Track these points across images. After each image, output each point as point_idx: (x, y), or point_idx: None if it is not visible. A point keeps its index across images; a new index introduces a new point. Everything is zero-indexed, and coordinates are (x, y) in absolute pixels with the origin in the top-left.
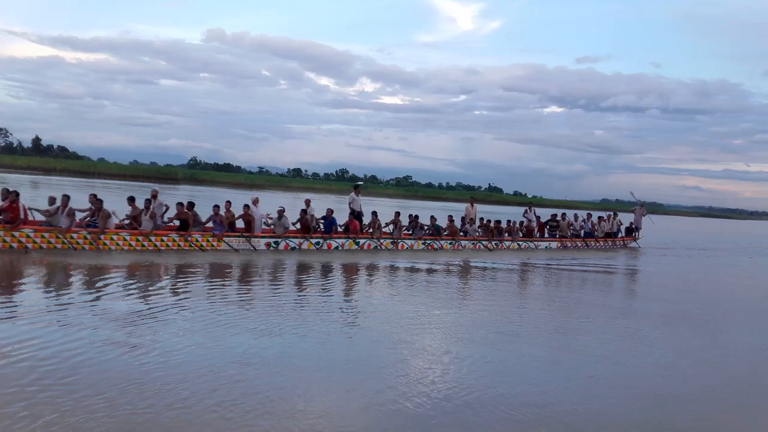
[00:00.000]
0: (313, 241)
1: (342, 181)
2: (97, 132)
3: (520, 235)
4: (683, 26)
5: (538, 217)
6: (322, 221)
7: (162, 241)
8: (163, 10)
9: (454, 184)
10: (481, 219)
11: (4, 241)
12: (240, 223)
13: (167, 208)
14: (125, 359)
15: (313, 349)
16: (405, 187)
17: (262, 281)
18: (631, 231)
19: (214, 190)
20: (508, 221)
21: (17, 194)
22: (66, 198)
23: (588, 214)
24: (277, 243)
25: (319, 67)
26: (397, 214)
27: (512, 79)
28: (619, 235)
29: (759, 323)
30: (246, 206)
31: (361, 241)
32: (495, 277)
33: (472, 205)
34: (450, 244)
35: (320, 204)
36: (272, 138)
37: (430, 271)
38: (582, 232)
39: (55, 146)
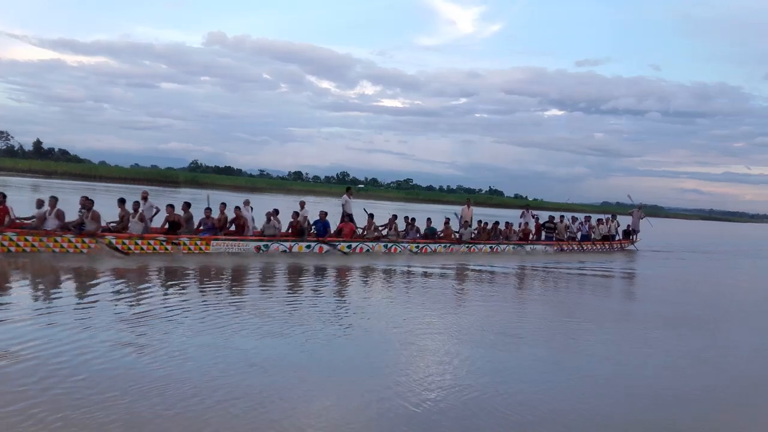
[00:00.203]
0: (305, 244)
1: (342, 184)
2: (97, 135)
3: (516, 238)
4: (683, 29)
5: (536, 218)
6: (314, 225)
7: (149, 244)
8: (164, 13)
9: (454, 187)
10: (479, 222)
11: None
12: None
13: (158, 211)
14: (131, 359)
15: (316, 349)
16: (406, 190)
17: (255, 285)
18: (629, 234)
19: (215, 193)
20: (506, 223)
21: (4, 196)
22: (54, 200)
23: (586, 216)
24: (267, 246)
25: (319, 71)
26: (394, 216)
27: (513, 83)
28: (617, 238)
29: (759, 324)
30: (237, 208)
31: (354, 244)
32: (491, 280)
33: (469, 207)
34: (444, 247)
35: (321, 207)
36: (273, 141)
37: (426, 274)
38: (579, 235)
39: (56, 149)
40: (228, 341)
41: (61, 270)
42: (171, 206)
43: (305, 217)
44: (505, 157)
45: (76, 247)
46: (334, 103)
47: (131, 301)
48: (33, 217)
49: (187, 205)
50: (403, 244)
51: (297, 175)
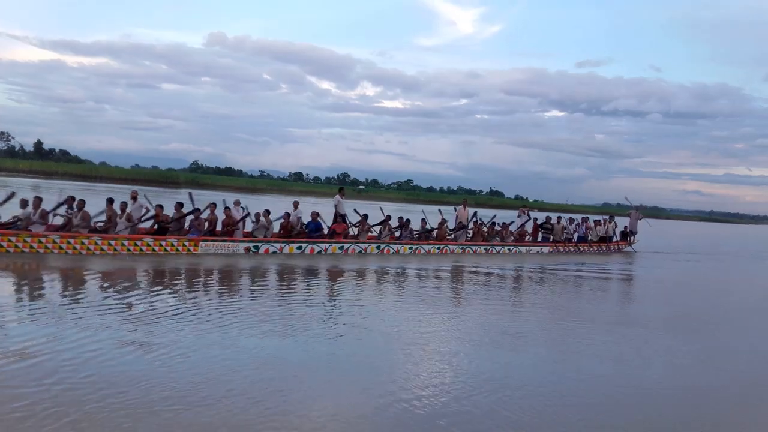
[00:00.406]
0: (296, 245)
1: (343, 185)
2: (98, 136)
3: (512, 239)
4: (684, 30)
5: (534, 219)
6: (305, 225)
7: (136, 245)
8: (165, 13)
9: (455, 188)
10: (475, 222)
11: None
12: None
13: (147, 211)
14: (136, 358)
15: (319, 349)
16: (406, 191)
17: (253, 286)
18: (626, 235)
19: (215, 194)
20: (503, 224)
21: None
22: (38, 200)
23: (583, 218)
24: (257, 247)
25: (320, 71)
26: (388, 217)
27: (513, 83)
28: (614, 240)
29: (758, 324)
30: (227, 209)
31: (347, 245)
32: (489, 281)
33: (465, 207)
34: (439, 248)
35: (321, 208)
36: (273, 142)
37: (423, 276)
38: (575, 236)
39: (56, 150)
40: (233, 341)
41: (56, 271)
42: (160, 206)
43: (298, 218)
44: (505, 157)
45: (61, 248)
46: (335, 104)
47: (129, 302)
48: (17, 218)
49: (179, 205)
50: (396, 245)
51: (297, 176)
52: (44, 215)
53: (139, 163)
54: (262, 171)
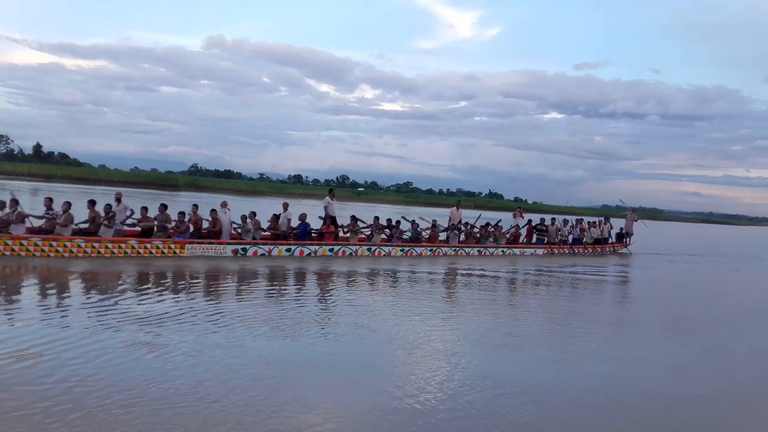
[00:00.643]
0: (284, 247)
1: (342, 187)
2: (97, 139)
3: (505, 240)
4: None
5: (529, 221)
6: (294, 227)
7: (120, 248)
8: (163, 16)
9: (454, 191)
10: (466, 223)
11: None
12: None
13: (132, 212)
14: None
15: (323, 350)
16: (405, 193)
17: (249, 288)
18: (622, 237)
19: (214, 196)
20: (494, 225)
21: None
22: (14, 202)
23: (577, 219)
24: (245, 250)
25: (319, 74)
26: (376, 219)
27: (511, 86)
28: (610, 241)
29: (757, 325)
30: (213, 211)
31: (336, 247)
32: (486, 284)
33: (458, 209)
34: (430, 250)
35: (320, 211)
36: (272, 145)
37: (418, 278)
38: (570, 238)
39: (55, 153)
40: (235, 342)
41: (44, 273)
42: (144, 208)
43: (288, 220)
44: (504, 160)
45: (43, 250)
46: (334, 107)
47: (119, 303)
48: None
49: (163, 207)
50: (387, 247)
51: (297, 179)
52: (21, 217)
53: (138, 166)
54: (261, 174)
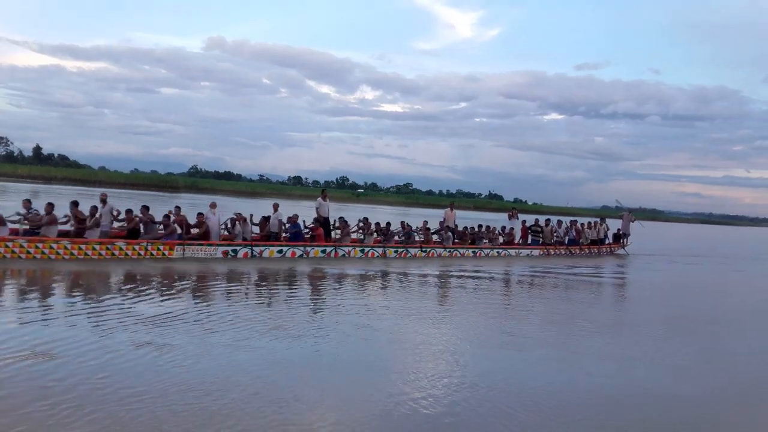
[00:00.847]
0: (276, 249)
1: (342, 188)
2: (97, 140)
3: (500, 241)
4: (682, 32)
5: (523, 222)
6: (285, 228)
7: (108, 249)
8: (164, 18)
9: (454, 191)
10: (456, 226)
11: None
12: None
13: (118, 213)
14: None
15: (328, 350)
16: (406, 194)
17: (249, 290)
18: (619, 238)
19: (215, 198)
20: (487, 226)
21: None
22: None
23: (571, 221)
24: (235, 251)
25: (319, 75)
26: (366, 220)
27: (512, 86)
28: (606, 242)
29: (757, 326)
30: (200, 214)
31: (328, 249)
32: (482, 285)
33: (452, 210)
34: (423, 251)
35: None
36: (272, 146)
37: (414, 278)
38: (566, 239)
39: (56, 155)
40: (242, 342)
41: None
42: (129, 211)
43: (279, 220)
44: (504, 161)
45: (28, 252)
46: (334, 108)
47: (120, 305)
48: None
49: (145, 209)
50: (381, 248)
51: (297, 180)
52: (1, 219)
53: (139, 168)
54: (261, 175)
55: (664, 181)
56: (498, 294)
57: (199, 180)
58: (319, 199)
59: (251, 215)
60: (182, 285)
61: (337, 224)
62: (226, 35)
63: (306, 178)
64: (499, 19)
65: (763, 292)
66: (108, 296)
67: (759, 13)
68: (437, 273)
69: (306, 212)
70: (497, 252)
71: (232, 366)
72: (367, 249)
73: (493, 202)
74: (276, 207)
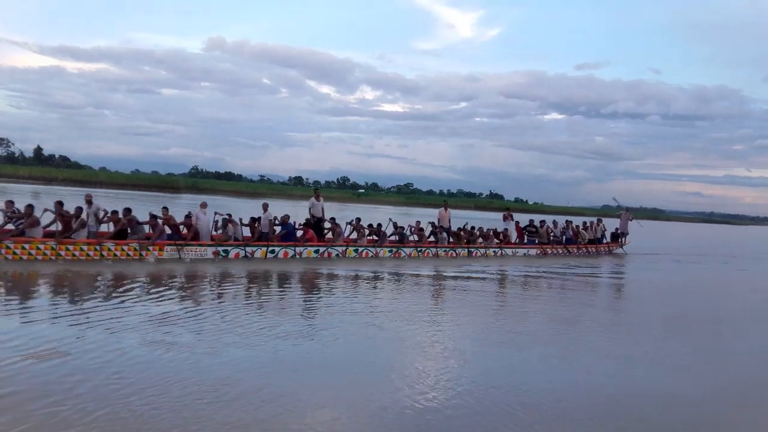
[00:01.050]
0: (268, 249)
1: (343, 188)
2: (98, 141)
3: (496, 241)
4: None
5: (517, 222)
6: (278, 227)
7: (96, 250)
8: (164, 18)
9: (455, 191)
10: (450, 227)
11: None
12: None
13: (105, 213)
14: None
15: (333, 349)
16: (406, 194)
17: (249, 290)
18: (617, 237)
19: (215, 198)
20: (480, 228)
21: None
22: None
23: (567, 220)
24: (226, 252)
25: (319, 75)
26: (358, 220)
27: (512, 86)
28: (604, 241)
29: (757, 326)
30: (188, 215)
31: (321, 249)
32: (478, 285)
33: (446, 210)
34: (418, 251)
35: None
36: (273, 146)
37: (411, 279)
38: (563, 238)
39: (56, 156)
40: (248, 341)
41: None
42: (115, 212)
43: (269, 220)
44: (505, 160)
45: (15, 253)
46: (334, 108)
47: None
48: None
49: (127, 211)
50: (374, 248)
51: (297, 180)
52: None
53: (139, 168)
54: (261, 175)
55: (664, 180)
56: (497, 294)
57: (200, 180)
58: (312, 199)
59: (240, 219)
60: (174, 286)
61: (328, 224)
62: (226, 36)
63: (307, 179)
64: (500, 19)
65: (764, 291)
66: (93, 298)
67: (759, 13)
68: (433, 273)
69: (306, 212)
70: (493, 252)
71: (237, 364)
72: (360, 249)
73: (494, 201)
74: (265, 207)
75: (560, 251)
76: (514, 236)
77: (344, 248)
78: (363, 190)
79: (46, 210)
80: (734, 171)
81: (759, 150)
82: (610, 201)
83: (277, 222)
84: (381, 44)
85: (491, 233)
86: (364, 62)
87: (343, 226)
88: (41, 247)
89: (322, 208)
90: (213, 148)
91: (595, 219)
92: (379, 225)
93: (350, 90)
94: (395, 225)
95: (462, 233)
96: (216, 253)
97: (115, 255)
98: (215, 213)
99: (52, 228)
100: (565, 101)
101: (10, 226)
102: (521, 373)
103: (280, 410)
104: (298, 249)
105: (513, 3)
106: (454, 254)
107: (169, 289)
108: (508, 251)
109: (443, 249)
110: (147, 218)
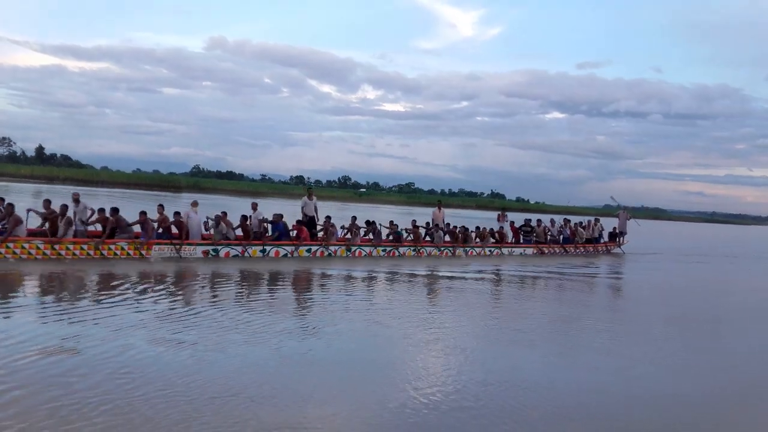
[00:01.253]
0: (259, 248)
1: (344, 188)
2: (99, 140)
3: (492, 240)
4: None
5: (512, 222)
6: (269, 227)
7: (82, 249)
8: (165, 18)
9: (456, 191)
10: (448, 224)
11: None
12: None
13: (93, 213)
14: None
15: (330, 349)
16: (407, 194)
17: (250, 289)
18: (615, 236)
19: (216, 198)
20: (477, 227)
21: None
22: None
23: (565, 219)
24: (216, 251)
25: (320, 75)
26: (354, 218)
27: (513, 85)
28: (602, 241)
29: (757, 325)
30: (177, 213)
31: (313, 248)
32: (475, 285)
33: (440, 209)
34: (413, 250)
35: (325, 211)
36: (274, 145)
37: (406, 279)
38: (560, 237)
39: (58, 155)
40: (251, 338)
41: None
42: (102, 210)
43: (259, 220)
44: (506, 160)
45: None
46: (336, 107)
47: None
48: None
49: (114, 211)
50: (368, 248)
51: (299, 180)
52: None
53: (141, 168)
54: (263, 174)
55: (666, 179)
56: (495, 293)
57: (201, 180)
58: (305, 198)
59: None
60: (174, 284)
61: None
62: (227, 35)
63: (308, 178)
64: (501, 18)
65: (764, 291)
66: (93, 298)
67: (759, 13)
68: (430, 272)
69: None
70: (489, 251)
71: (240, 360)
72: (354, 248)
73: (495, 201)
74: (255, 206)
75: (557, 251)
76: (510, 236)
77: (337, 248)
78: (364, 190)
79: (29, 210)
80: (736, 170)
81: (761, 149)
82: (610, 200)
83: (267, 221)
84: (382, 43)
85: (487, 232)
86: (365, 61)
87: (337, 226)
88: (26, 246)
89: (315, 207)
90: (214, 147)
91: (592, 218)
92: (373, 222)
93: (351, 89)
94: (391, 223)
95: (458, 233)
96: (206, 253)
97: (102, 254)
98: (206, 217)
99: (40, 227)
100: (567, 100)
101: None
102: (521, 371)
103: (281, 406)
104: (290, 248)
105: (514, 2)
106: (450, 253)
107: (169, 288)
108: (505, 251)
109: (439, 248)
110: (138, 218)
